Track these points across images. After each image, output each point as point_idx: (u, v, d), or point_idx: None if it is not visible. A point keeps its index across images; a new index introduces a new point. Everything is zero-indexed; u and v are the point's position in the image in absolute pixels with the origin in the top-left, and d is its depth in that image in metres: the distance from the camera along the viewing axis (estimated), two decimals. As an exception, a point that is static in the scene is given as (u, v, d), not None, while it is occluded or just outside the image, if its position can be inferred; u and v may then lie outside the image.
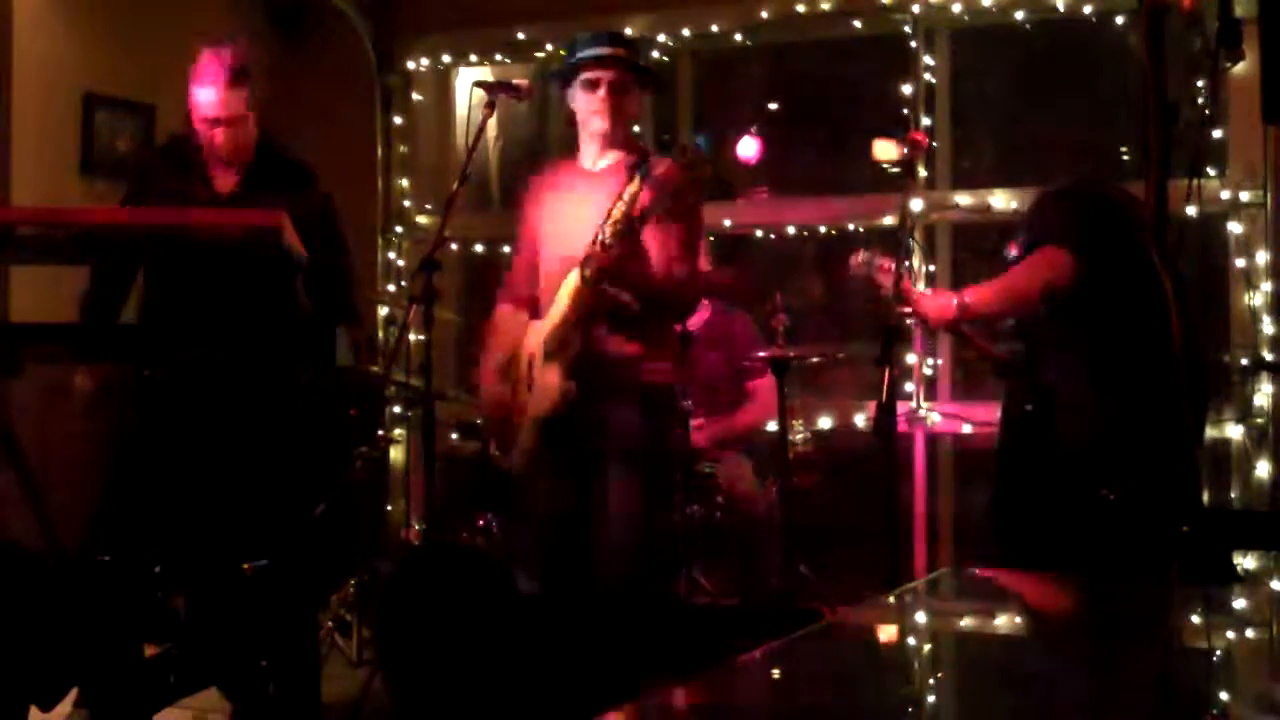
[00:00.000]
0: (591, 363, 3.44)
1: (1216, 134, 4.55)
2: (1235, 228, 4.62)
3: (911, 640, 1.87)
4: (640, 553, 3.46)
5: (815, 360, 4.78)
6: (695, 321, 4.64)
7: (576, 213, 3.51)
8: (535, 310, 3.61)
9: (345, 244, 3.97)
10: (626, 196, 3.33)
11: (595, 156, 3.63)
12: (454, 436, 5.28)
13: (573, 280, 3.42)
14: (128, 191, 3.93)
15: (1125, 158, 4.43)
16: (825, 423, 5.16)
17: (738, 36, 5.39)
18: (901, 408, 4.37)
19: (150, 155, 4.30)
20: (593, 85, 3.55)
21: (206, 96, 3.72)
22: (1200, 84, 3.75)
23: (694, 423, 4.62)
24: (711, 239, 5.06)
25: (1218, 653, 1.79)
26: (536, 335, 3.55)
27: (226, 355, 3.34)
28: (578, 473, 3.52)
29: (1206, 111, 4.04)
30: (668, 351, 3.63)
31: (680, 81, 5.75)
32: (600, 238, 3.36)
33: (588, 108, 3.56)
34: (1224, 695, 1.56)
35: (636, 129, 4.45)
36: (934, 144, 5.10)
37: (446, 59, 5.78)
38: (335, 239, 3.89)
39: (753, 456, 4.83)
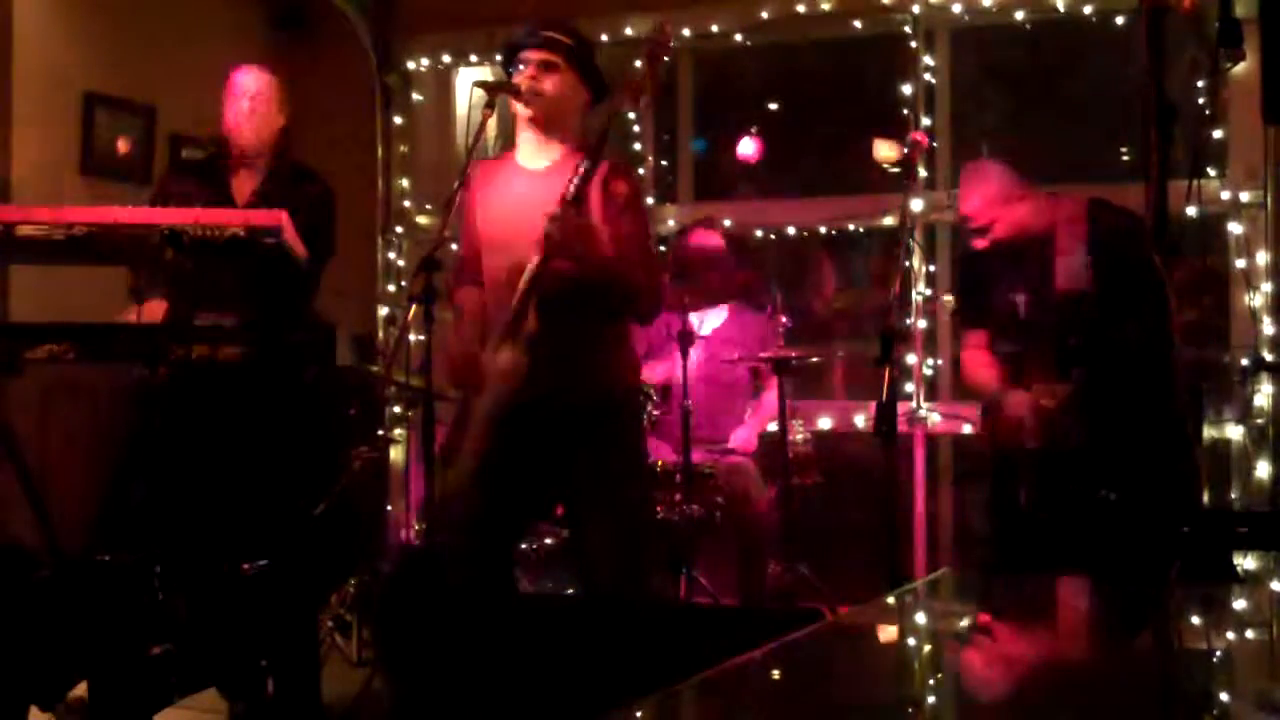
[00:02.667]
0: (553, 358, 3.18)
1: (1216, 134, 4.54)
2: (1235, 228, 4.62)
3: (911, 640, 1.87)
4: (633, 565, 3.35)
5: (815, 360, 4.78)
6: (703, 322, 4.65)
7: (518, 217, 3.21)
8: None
9: (332, 243, 4.02)
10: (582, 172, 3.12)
11: (534, 152, 3.31)
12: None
13: (529, 269, 3.14)
14: (151, 204, 4.06)
15: (1125, 158, 4.43)
16: (825, 423, 5.16)
17: (738, 36, 5.38)
18: (901, 408, 4.36)
19: (175, 169, 4.51)
20: (520, 66, 3.25)
21: (240, 77, 4.02)
22: (1200, 84, 3.76)
23: (732, 438, 4.67)
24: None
25: (1218, 653, 1.79)
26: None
27: (227, 355, 3.34)
28: (540, 476, 3.30)
29: (1206, 111, 4.05)
30: (633, 355, 3.45)
31: (680, 81, 5.75)
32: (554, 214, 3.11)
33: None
34: (1224, 695, 1.56)
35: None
36: (934, 144, 5.10)
37: (446, 59, 5.77)
38: (322, 234, 3.91)
39: (753, 456, 4.83)
